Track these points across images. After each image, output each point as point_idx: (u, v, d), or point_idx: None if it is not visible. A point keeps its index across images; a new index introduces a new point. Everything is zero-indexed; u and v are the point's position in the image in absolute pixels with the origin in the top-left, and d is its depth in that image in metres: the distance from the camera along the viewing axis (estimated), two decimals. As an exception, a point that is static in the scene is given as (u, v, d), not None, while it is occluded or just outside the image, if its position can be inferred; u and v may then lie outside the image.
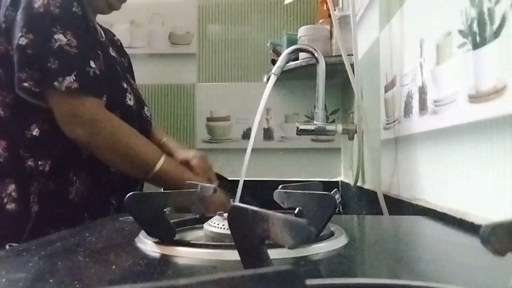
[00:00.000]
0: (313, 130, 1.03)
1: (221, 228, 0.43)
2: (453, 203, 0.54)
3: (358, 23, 1.10)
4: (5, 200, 0.92)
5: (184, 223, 0.50)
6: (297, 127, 1.03)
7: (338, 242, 0.40)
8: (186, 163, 1.04)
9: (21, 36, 0.86)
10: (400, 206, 0.73)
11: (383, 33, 0.90)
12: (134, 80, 1.22)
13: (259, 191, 1.16)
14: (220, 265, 0.34)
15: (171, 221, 0.42)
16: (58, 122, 0.89)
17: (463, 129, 0.51)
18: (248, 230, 0.25)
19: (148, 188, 1.09)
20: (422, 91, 0.65)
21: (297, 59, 1.28)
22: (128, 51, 1.23)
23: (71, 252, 0.39)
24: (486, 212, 0.46)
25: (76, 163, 0.94)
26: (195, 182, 0.54)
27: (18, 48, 0.86)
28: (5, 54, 0.90)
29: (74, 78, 0.86)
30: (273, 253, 0.27)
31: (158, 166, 0.92)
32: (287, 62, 1.03)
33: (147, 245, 0.40)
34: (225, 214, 0.44)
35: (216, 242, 0.41)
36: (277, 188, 0.46)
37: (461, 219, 0.49)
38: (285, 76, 1.10)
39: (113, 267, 0.33)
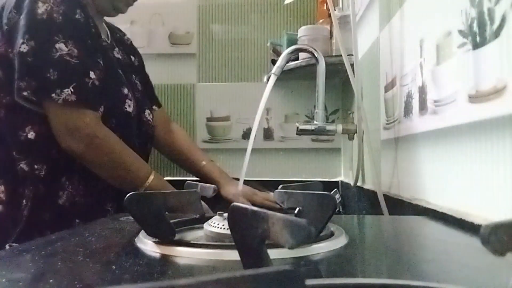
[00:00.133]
0: (313, 130, 1.03)
1: (221, 228, 0.43)
2: (453, 203, 0.54)
3: (358, 23, 1.10)
4: None
5: (184, 223, 0.50)
6: (297, 127, 1.03)
7: (338, 242, 0.40)
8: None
9: (23, 42, 0.86)
10: (400, 206, 0.73)
11: (383, 33, 0.90)
12: (145, 78, 1.21)
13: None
14: (220, 265, 0.34)
15: (171, 221, 0.42)
16: (53, 133, 0.89)
17: (463, 129, 0.51)
18: (248, 230, 0.25)
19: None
20: (422, 91, 0.65)
21: (297, 59, 1.28)
22: (128, 51, 1.23)
23: (71, 252, 0.39)
24: (486, 212, 0.46)
25: (69, 168, 0.93)
26: (195, 183, 0.54)
27: (19, 55, 0.86)
28: (5, 56, 0.90)
29: (72, 90, 0.86)
30: (273, 253, 0.27)
31: (147, 184, 0.95)
32: (287, 62, 1.03)
33: (147, 245, 0.40)
34: (225, 214, 0.44)
35: (216, 242, 0.41)
36: (277, 188, 0.46)
37: (461, 219, 0.49)
38: (285, 76, 1.10)
39: (113, 267, 0.33)
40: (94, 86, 0.89)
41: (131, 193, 0.40)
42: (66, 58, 0.87)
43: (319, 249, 0.38)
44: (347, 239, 0.42)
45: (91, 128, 0.89)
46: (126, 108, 0.99)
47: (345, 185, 1.38)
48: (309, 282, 0.26)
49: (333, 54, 1.21)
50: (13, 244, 0.89)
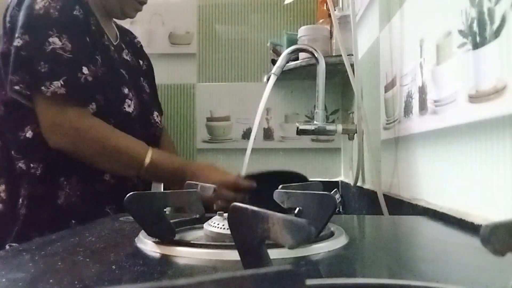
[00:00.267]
0: (313, 130, 1.03)
1: (221, 228, 0.43)
2: (453, 203, 0.54)
3: (358, 23, 1.10)
4: None
5: (184, 223, 0.50)
6: (297, 127, 1.03)
7: (338, 242, 0.40)
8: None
9: (18, 37, 0.85)
10: (400, 206, 0.73)
11: (383, 33, 0.90)
12: (153, 83, 1.20)
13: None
14: (220, 265, 0.34)
15: (171, 221, 0.42)
16: (42, 132, 0.89)
17: (463, 129, 0.51)
18: (248, 230, 0.25)
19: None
20: (422, 91, 0.65)
21: (297, 59, 1.28)
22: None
23: (71, 252, 0.39)
24: (486, 212, 0.46)
25: (67, 168, 0.92)
26: (195, 182, 0.54)
27: (14, 49, 0.86)
28: (8, 54, 0.89)
29: (62, 83, 0.85)
30: (273, 253, 0.27)
31: (148, 159, 0.91)
32: (287, 62, 1.03)
33: (147, 245, 0.40)
34: (225, 214, 0.44)
35: (216, 242, 0.41)
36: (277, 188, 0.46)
37: (461, 219, 0.49)
38: (285, 76, 1.10)
39: (113, 267, 0.33)
40: (86, 82, 0.88)
41: (131, 193, 0.40)
42: (58, 52, 0.86)
43: (319, 249, 0.38)
44: (347, 239, 0.42)
45: (74, 122, 0.88)
46: (125, 107, 0.98)
47: (345, 185, 1.38)
48: (309, 282, 0.26)
49: (333, 54, 1.21)
50: (13, 244, 0.89)
